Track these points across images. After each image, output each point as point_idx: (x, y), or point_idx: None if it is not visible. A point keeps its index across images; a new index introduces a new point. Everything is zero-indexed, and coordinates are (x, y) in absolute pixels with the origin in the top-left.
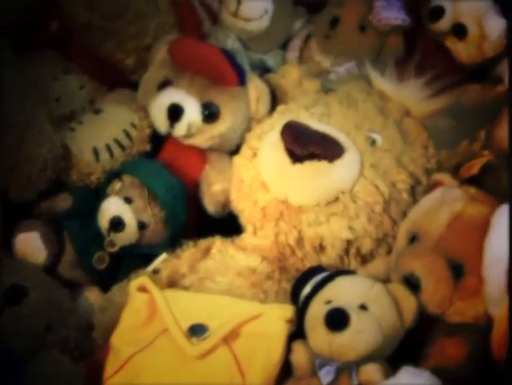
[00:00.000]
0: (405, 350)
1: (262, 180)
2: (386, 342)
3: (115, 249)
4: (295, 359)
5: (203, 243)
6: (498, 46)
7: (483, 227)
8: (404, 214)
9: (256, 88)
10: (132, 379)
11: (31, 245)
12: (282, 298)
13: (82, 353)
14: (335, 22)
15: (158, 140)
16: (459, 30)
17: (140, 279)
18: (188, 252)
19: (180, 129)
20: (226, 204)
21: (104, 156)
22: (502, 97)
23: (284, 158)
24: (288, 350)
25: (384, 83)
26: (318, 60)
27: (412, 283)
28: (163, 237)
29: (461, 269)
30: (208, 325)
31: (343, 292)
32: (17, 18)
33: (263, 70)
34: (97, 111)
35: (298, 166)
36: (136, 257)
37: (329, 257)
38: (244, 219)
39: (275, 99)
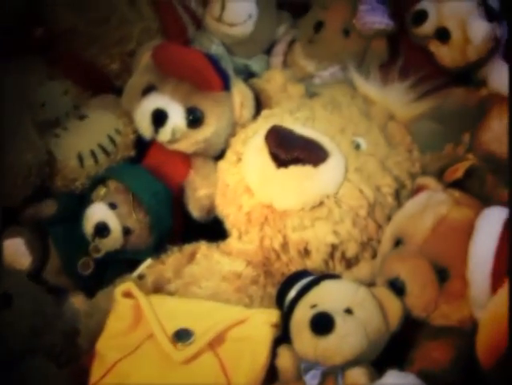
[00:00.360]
0: (391, 353)
1: (246, 184)
2: (371, 345)
3: (100, 255)
4: (281, 364)
5: (188, 248)
6: (482, 50)
7: (468, 230)
8: (389, 218)
9: (240, 93)
10: None
11: (16, 251)
12: (268, 303)
13: (67, 359)
14: (319, 27)
15: (143, 146)
16: (442, 34)
17: (125, 285)
18: (174, 257)
19: (164, 134)
20: (211, 209)
21: (89, 161)
22: (486, 100)
23: (268, 162)
24: (274, 354)
25: (368, 87)
26: (303, 64)
27: (397, 287)
28: (148, 243)
29: (446, 273)
30: (193, 330)
31: (328, 296)
32: (0, 23)
33: (247, 75)
34: (81, 117)
35: (282, 170)
36: (121, 263)
37: (314, 262)
38: (229, 224)
39: (260, 104)
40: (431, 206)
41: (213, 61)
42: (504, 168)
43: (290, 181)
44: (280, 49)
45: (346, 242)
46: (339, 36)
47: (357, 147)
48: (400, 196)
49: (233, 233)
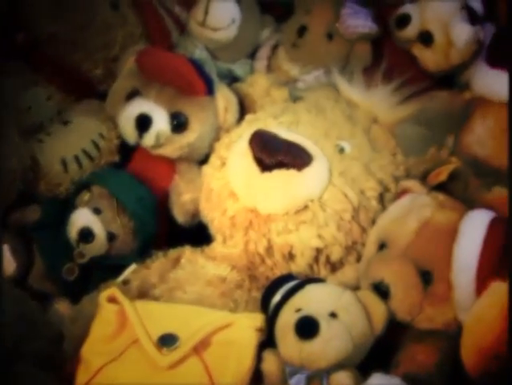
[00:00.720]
0: (376, 357)
1: (230, 189)
2: (356, 349)
3: (84, 260)
4: (266, 368)
5: (173, 253)
6: (465, 54)
7: (452, 233)
8: (373, 221)
9: (224, 98)
10: None
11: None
12: (252, 307)
13: (52, 365)
14: (302, 31)
15: (127, 151)
16: (426, 38)
17: (110, 290)
18: (158, 262)
19: (148, 139)
20: (196, 213)
21: (73, 166)
22: (469, 103)
23: (253, 167)
24: (259, 358)
25: (351, 91)
26: (286, 69)
27: (381, 290)
28: (132, 248)
29: (430, 276)
30: (178, 335)
31: (312, 300)
32: None
33: (231, 80)
34: (65, 122)
35: (266, 175)
36: (106, 268)
37: (299, 266)
38: (213, 228)
39: (244, 108)
40: (415, 209)
41: (197, 66)
42: (487, 170)
43: (274, 185)
44: (264, 53)
45: (330, 246)
46: (323, 40)
47: (341, 150)
48: (384, 199)
49: (218, 238)
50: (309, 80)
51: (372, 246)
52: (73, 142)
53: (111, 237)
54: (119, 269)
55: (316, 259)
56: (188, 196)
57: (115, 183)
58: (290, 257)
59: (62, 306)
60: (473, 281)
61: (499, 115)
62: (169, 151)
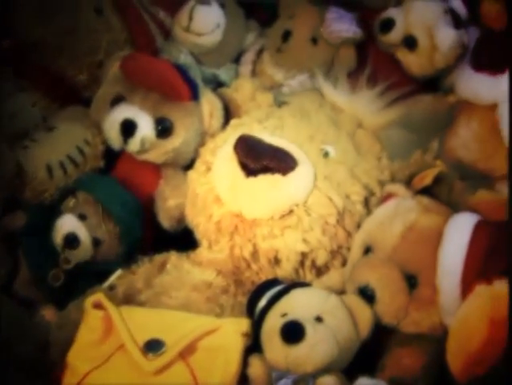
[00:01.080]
0: (362, 361)
1: (216, 194)
2: (342, 353)
3: (70, 266)
4: (252, 373)
5: (158, 258)
6: (449, 58)
7: (437, 237)
8: (358, 226)
9: (209, 102)
10: None
11: None
12: (238, 312)
13: (38, 371)
14: (286, 35)
15: (112, 156)
16: (410, 42)
17: (96, 296)
18: (144, 267)
19: (133, 145)
20: (181, 218)
21: (58, 172)
22: (454, 107)
23: (238, 172)
24: (245, 363)
25: (336, 95)
26: (271, 73)
27: (367, 294)
28: (118, 253)
29: (416, 280)
30: (164, 340)
31: (298, 304)
32: None
33: (216, 85)
34: (50, 129)
35: (251, 179)
36: (92, 274)
37: (284, 270)
38: (199, 233)
39: (228, 113)
40: (400, 213)
41: (182, 71)
42: (472, 174)
43: (259, 190)
44: (248, 58)
45: (316, 250)
46: (307, 45)
47: (326, 155)
48: (369, 203)
49: (203, 243)
50: (293, 85)
51: (358, 250)
52: (58, 148)
53: (96, 242)
54: (104, 274)
55: (302, 263)
56: (173, 201)
57: (101, 189)
58: (276, 261)
59: (48, 313)
60: (458, 284)
61: (484, 119)
62: (154, 156)
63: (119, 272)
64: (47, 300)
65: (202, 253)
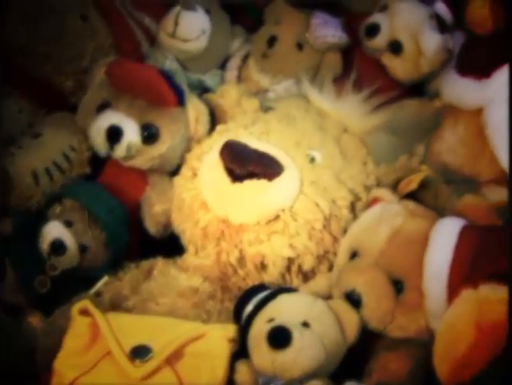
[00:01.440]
0: (349, 365)
1: (202, 199)
2: (329, 358)
3: (56, 273)
4: (239, 378)
5: (145, 264)
6: (435, 62)
7: (422, 242)
8: (345, 230)
9: (195, 108)
10: None
11: None
12: (225, 318)
13: (26, 378)
14: (272, 41)
15: (98, 163)
16: (395, 47)
17: (82, 302)
18: (130, 274)
19: (119, 151)
20: (167, 224)
21: (44, 179)
22: (439, 112)
23: (224, 177)
24: (232, 369)
25: (322, 100)
26: (257, 79)
27: (353, 299)
28: (104, 260)
29: (402, 285)
30: (151, 346)
31: (285, 310)
32: None
33: (202, 91)
34: (36, 135)
35: (237, 185)
36: (78, 280)
37: (271, 275)
38: (185, 239)
39: (215, 119)
40: (386, 218)
41: (168, 77)
42: (458, 178)
43: (245, 196)
44: (234, 64)
45: (302, 255)
46: (293, 50)
47: (312, 160)
48: (356, 208)
49: (190, 249)
50: (279, 90)
51: (344, 255)
52: (44, 155)
53: (82, 249)
54: (91, 281)
55: (288, 269)
56: (159, 207)
57: (87, 195)
58: (263, 267)
59: (34, 319)
60: (444, 289)
61: (469, 123)
62: (140, 162)
63: (105, 278)
64: (34, 306)
65: (189, 258)
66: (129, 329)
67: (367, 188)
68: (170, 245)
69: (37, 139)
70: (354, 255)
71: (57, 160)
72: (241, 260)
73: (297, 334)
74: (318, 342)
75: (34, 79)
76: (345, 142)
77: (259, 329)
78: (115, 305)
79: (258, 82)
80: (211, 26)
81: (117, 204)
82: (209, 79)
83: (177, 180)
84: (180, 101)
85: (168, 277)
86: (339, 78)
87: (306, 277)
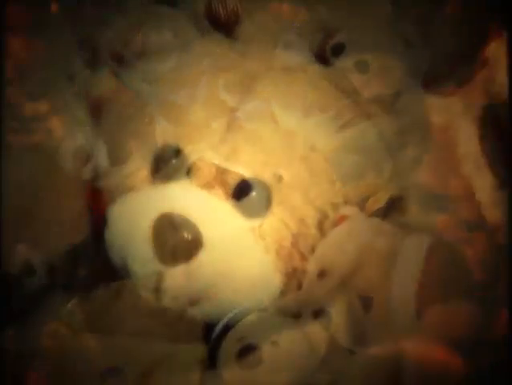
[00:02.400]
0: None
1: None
2: (300, 377)
3: None
4: None
5: (114, 286)
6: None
7: (391, 259)
8: (313, 249)
9: None
10: None
11: None
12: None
13: None
14: None
15: None
16: (361, 66)
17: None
18: (100, 295)
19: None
20: None
21: None
22: (407, 129)
23: None
24: None
25: (289, 119)
26: (224, 99)
27: (322, 318)
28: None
29: (370, 302)
30: (122, 368)
31: (254, 329)
32: None
33: None
34: None
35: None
36: None
37: None
38: None
39: None
40: (353, 236)
41: None
42: (426, 195)
43: None
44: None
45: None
46: None
47: (279, 179)
48: (323, 226)
49: None
50: (247, 110)
51: (312, 274)
52: None
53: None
54: None
55: None
56: None
57: None
58: None
59: None
60: (412, 305)
61: (437, 140)
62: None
63: (75, 299)
64: None
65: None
66: (100, 351)
67: (335, 206)
68: None
69: None
70: (322, 274)
71: None
72: None
73: (267, 353)
74: (288, 360)
75: None
76: (312, 160)
77: (229, 348)
78: (86, 327)
79: (225, 101)
80: None
81: None
82: None
83: None
84: None
85: (137, 299)
86: None
87: None
